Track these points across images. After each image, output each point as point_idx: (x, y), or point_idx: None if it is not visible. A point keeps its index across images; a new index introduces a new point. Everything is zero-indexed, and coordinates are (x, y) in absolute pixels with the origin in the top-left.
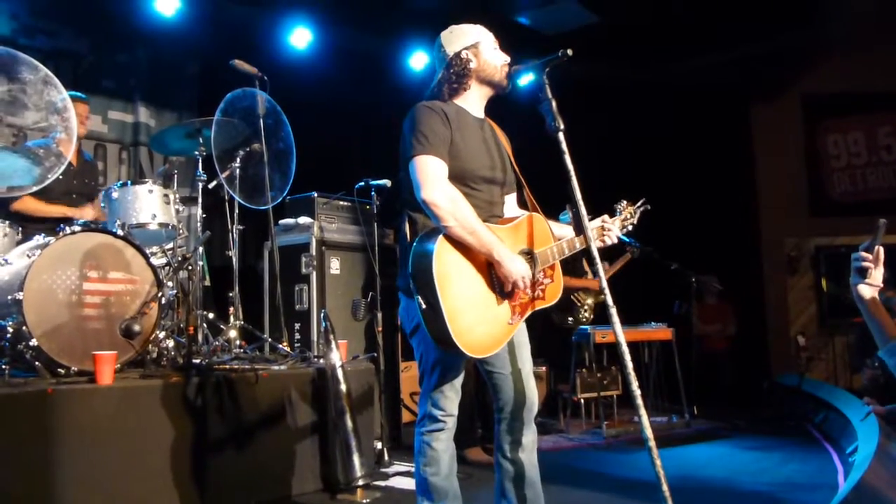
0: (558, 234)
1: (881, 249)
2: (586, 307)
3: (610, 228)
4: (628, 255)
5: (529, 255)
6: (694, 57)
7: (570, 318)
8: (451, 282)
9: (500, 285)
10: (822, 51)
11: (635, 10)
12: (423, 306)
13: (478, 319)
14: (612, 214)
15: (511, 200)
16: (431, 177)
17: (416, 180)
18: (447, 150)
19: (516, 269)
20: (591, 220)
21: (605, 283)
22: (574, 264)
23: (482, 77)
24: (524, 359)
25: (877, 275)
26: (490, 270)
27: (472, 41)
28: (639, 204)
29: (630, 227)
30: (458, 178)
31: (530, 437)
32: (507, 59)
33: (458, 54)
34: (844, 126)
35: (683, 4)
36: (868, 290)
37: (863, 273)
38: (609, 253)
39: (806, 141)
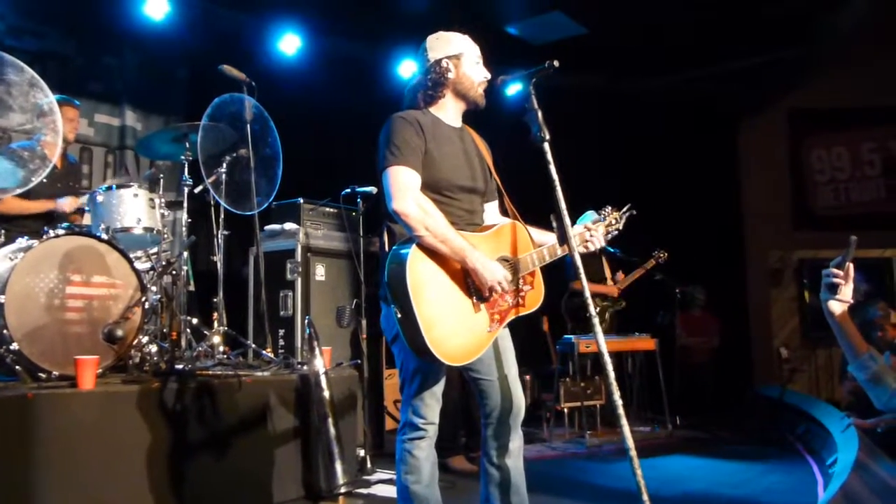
0: (539, 241)
1: (851, 266)
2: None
3: (593, 234)
4: (651, 261)
5: (508, 262)
6: (682, 71)
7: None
8: (426, 291)
9: (477, 293)
10: (808, 67)
11: (623, 23)
12: (399, 315)
13: (455, 328)
14: (597, 220)
15: (493, 208)
16: (402, 187)
17: (387, 191)
18: (420, 160)
19: (491, 273)
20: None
21: (587, 293)
22: (591, 269)
23: (458, 89)
24: (510, 364)
25: (847, 291)
26: (466, 278)
27: (456, 51)
28: (624, 210)
29: (615, 233)
30: (434, 187)
31: (517, 442)
32: (488, 75)
33: (438, 62)
34: (829, 141)
35: (672, 18)
36: (838, 305)
37: (833, 289)
38: (646, 257)
39: (791, 155)
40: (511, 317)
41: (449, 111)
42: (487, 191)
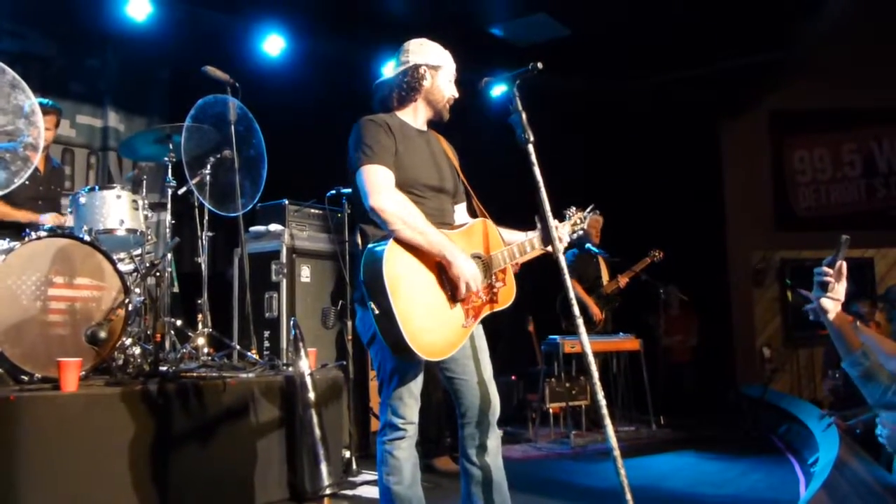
0: (508, 240)
1: (843, 264)
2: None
3: (559, 235)
4: (647, 260)
5: (481, 260)
6: (664, 73)
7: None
8: (403, 285)
9: (452, 288)
10: (789, 69)
11: (607, 25)
12: (377, 311)
13: (431, 322)
14: (562, 220)
15: (461, 210)
16: (377, 184)
17: (363, 190)
18: (392, 159)
19: (466, 270)
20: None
21: (571, 294)
22: (588, 270)
23: (429, 99)
24: (484, 363)
25: (839, 289)
26: (441, 274)
27: (436, 63)
28: (588, 210)
29: (581, 232)
30: (405, 187)
31: (494, 440)
32: (457, 95)
33: (417, 66)
34: (810, 142)
35: (654, 21)
36: (830, 303)
37: (825, 287)
38: (630, 257)
39: (772, 156)
40: (485, 312)
41: (417, 116)
42: (456, 192)
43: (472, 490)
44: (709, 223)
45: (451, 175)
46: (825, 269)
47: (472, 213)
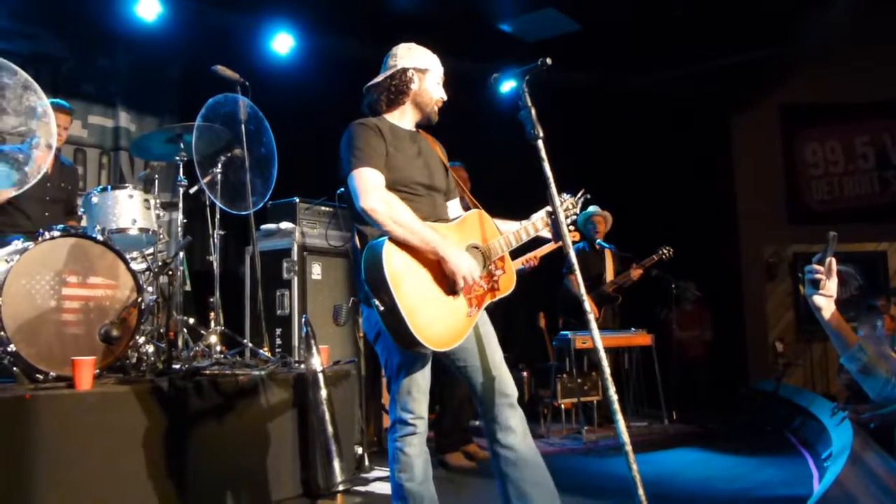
0: (503, 229)
1: (833, 261)
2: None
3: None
4: (654, 257)
5: (479, 249)
6: (674, 67)
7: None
8: (404, 279)
9: (451, 280)
10: (799, 62)
11: (616, 20)
12: (381, 308)
13: (436, 314)
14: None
15: (455, 206)
16: (367, 186)
17: (354, 192)
18: (383, 161)
19: (462, 264)
20: (535, 212)
21: (583, 290)
22: (592, 265)
23: (417, 102)
24: (493, 348)
25: (830, 286)
26: (441, 265)
27: (424, 66)
28: (579, 196)
29: (574, 217)
30: (398, 186)
31: (518, 420)
32: (445, 97)
33: (404, 70)
34: (822, 135)
35: (664, 15)
36: (823, 300)
37: (816, 284)
38: (641, 253)
39: (784, 150)
40: (488, 300)
41: (405, 118)
42: (448, 189)
43: (504, 470)
44: (721, 217)
45: (441, 173)
46: (815, 266)
47: (466, 209)
